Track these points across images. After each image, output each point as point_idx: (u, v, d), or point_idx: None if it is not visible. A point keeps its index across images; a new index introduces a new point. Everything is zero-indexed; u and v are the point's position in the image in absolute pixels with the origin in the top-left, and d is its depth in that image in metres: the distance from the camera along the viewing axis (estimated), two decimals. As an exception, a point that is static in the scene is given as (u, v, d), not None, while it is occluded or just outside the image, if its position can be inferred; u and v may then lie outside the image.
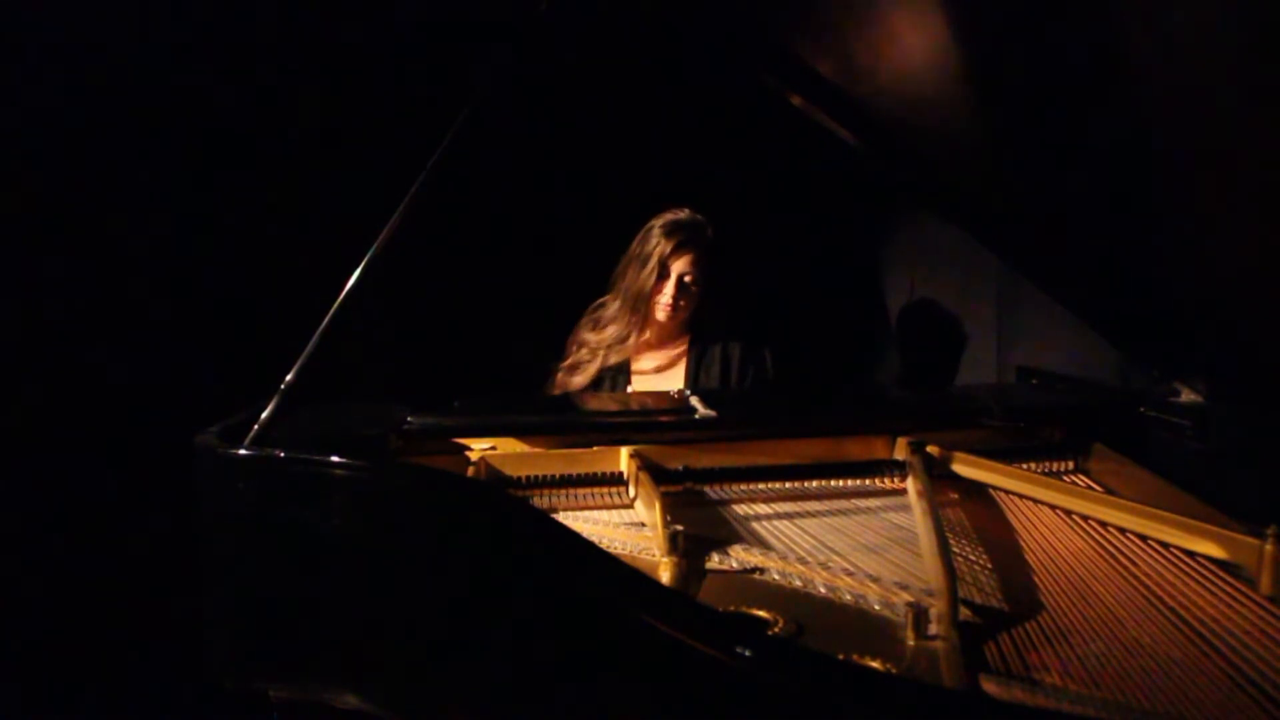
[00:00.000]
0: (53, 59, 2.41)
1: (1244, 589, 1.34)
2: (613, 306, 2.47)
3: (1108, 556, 1.49)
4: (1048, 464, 1.83)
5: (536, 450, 1.81)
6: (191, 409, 1.64)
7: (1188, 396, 1.81)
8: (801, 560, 1.47)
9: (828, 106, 1.77)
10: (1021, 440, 1.89)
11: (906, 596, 1.32)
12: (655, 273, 2.38)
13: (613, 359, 2.46)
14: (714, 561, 1.47)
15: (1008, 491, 1.74)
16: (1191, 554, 1.45)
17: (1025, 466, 1.78)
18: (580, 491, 1.76)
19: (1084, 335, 1.99)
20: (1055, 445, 1.87)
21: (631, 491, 1.74)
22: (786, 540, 1.57)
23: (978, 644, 1.21)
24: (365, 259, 1.65)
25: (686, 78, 2.93)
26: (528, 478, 1.77)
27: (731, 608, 1.31)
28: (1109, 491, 1.70)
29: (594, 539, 1.45)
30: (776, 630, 1.25)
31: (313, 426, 1.66)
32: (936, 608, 1.26)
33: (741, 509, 1.71)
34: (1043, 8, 1.25)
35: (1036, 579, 1.42)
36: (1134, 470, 1.72)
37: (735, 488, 1.77)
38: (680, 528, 1.48)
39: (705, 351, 2.50)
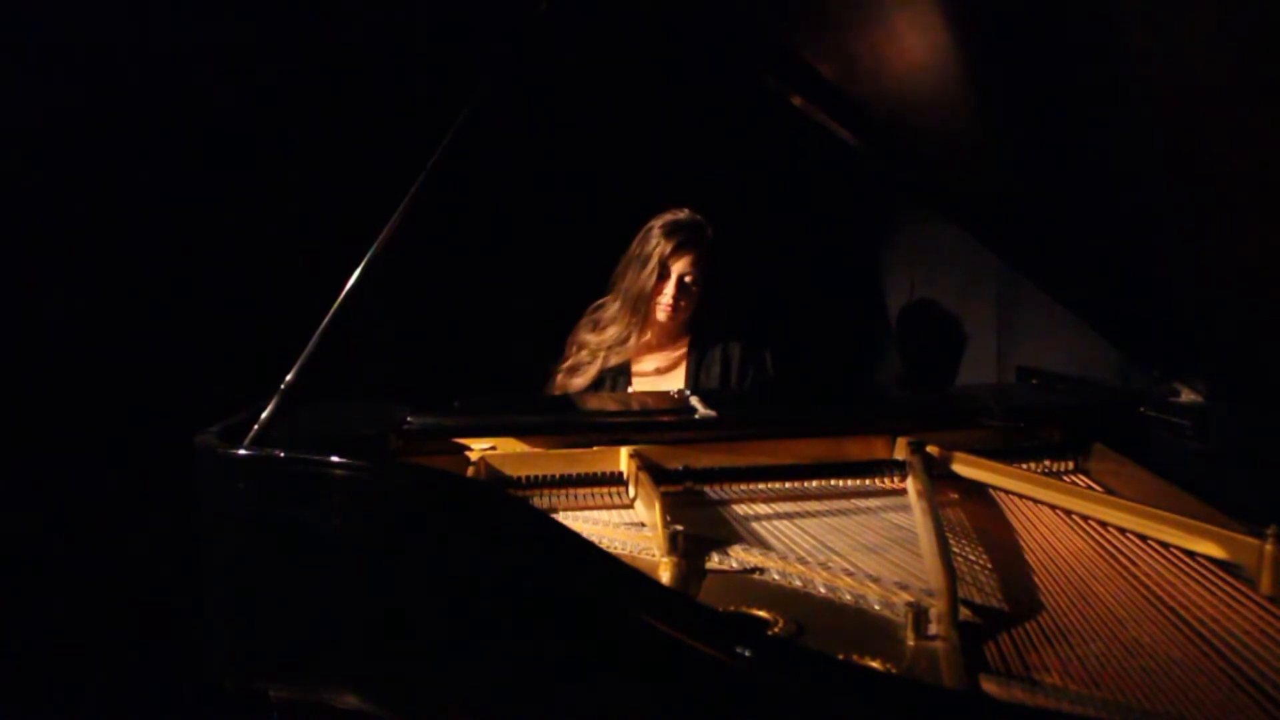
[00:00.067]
0: (53, 59, 2.41)
1: (1244, 589, 1.34)
2: (612, 307, 2.47)
3: (1108, 556, 1.48)
4: (1048, 464, 1.83)
5: (536, 450, 1.81)
6: (191, 409, 1.64)
7: (1188, 396, 1.81)
8: (801, 560, 1.47)
9: (828, 106, 1.77)
10: (1021, 440, 1.89)
11: (906, 596, 1.32)
12: (655, 273, 2.37)
13: (613, 360, 2.46)
14: (714, 561, 1.47)
15: (1008, 491, 1.74)
16: (1191, 554, 1.45)
17: (1025, 466, 1.78)
18: (580, 491, 1.76)
19: (1084, 335, 1.99)
20: (1055, 445, 1.87)
21: (631, 491, 1.74)
22: (786, 540, 1.57)
23: (978, 644, 1.21)
24: (365, 259, 1.65)
25: (686, 78, 2.93)
26: (528, 478, 1.77)
27: (731, 608, 1.31)
28: (1109, 491, 1.70)
29: (594, 539, 1.45)
30: (776, 630, 1.25)
31: (313, 426, 1.66)
32: (936, 608, 1.26)
33: (741, 509, 1.70)
34: (1043, 8, 1.25)
35: (1036, 579, 1.42)
36: (1134, 470, 1.72)
37: (735, 488, 1.77)
38: (680, 528, 1.48)
39: (705, 353, 2.49)
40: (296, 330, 1.62)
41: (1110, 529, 1.57)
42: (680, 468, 1.78)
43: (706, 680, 1.06)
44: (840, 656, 1.14)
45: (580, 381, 2.48)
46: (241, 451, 1.50)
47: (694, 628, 1.09)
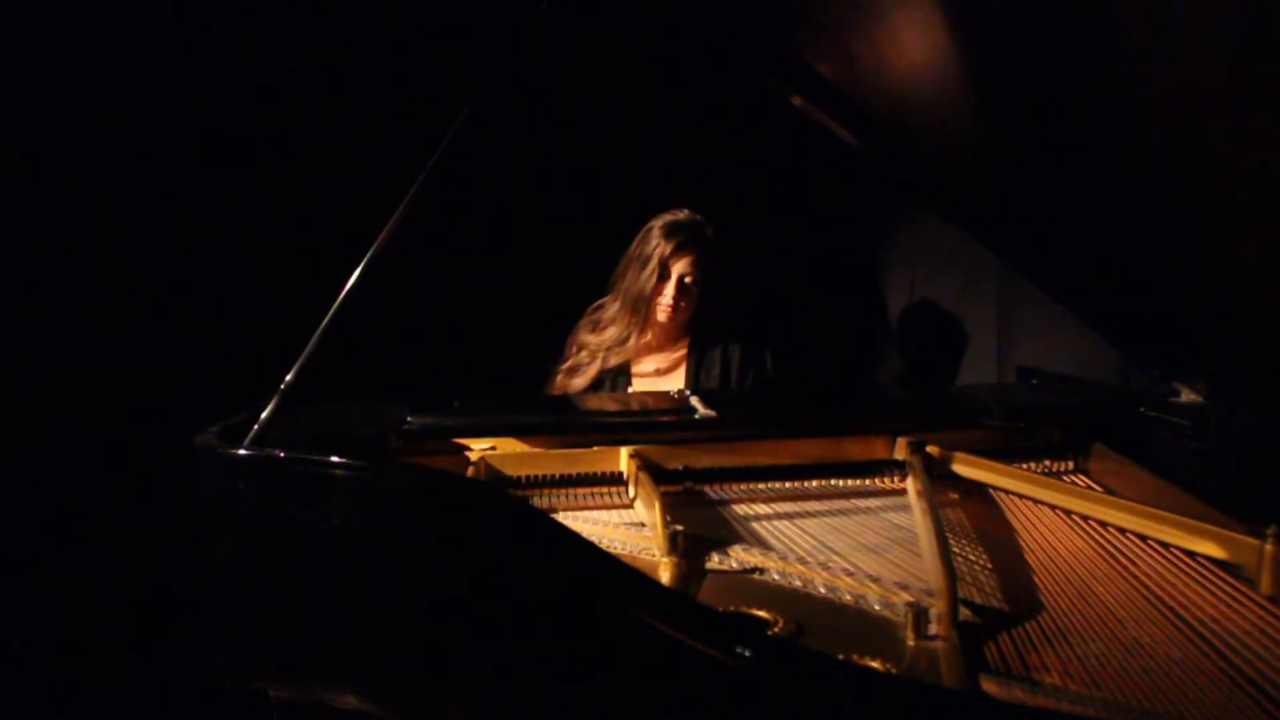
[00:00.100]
0: (53, 59, 2.41)
1: (1244, 589, 1.34)
2: (612, 308, 2.46)
3: (1108, 556, 1.48)
4: (1048, 464, 1.83)
5: (536, 450, 1.81)
6: (191, 409, 1.64)
7: (1188, 396, 1.81)
8: (801, 560, 1.47)
9: (828, 106, 1.77)
10: (1021, 440, 1.89)
11: (906, 596, 1.32)
12: (655, 274, 2.37)
13: (612, 361, 2.46)
14: (714, 561, 1.47)
15: (1008, 491, 1.74)
16: (1191, 554, 1.45)
17: (1025, 466, 1.78)
18: (580, 491, 1.76)
19: (1084, 335, 1.99)
20: (1055, 445, 1.87)
21: (631, 491, 1.74)
22: (786, 540, 1.57)
23: (978, 644, 1.21)
24: (365, 259, 1.65)
25: (686, 78, 2.93)
26: (528, 478, 1.77)
27: (731, 608, 1.31)
28: (1109, 491, 1.70)
29: (594, 539, 1.45)
30: (776, 630, 1.25)
31: (313, 426, 1.66)
32: (936, 608, 1.26)
33: (741, 509, 1.70)
34: (1043, 8, 1.25)
35: (1036, 579, 1.42)
36: (1134, 470, 1.72)
37: (735, 488, 1.77)
38: (680, 528, 1.48)
39: (705, 354, 2.49)
40: (296, 330, 1.62)
41: (1110, 529, 1.57)
42: (680, 468, 1.78)
43: (706, 680, 1.06)
44: (840, 656, 1.14)
45: (580, 382, 2.47)
46: (241, 451, 1.50)
47: (694, 628, 1.09)
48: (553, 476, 1.77)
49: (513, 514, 1.40)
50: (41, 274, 2.44)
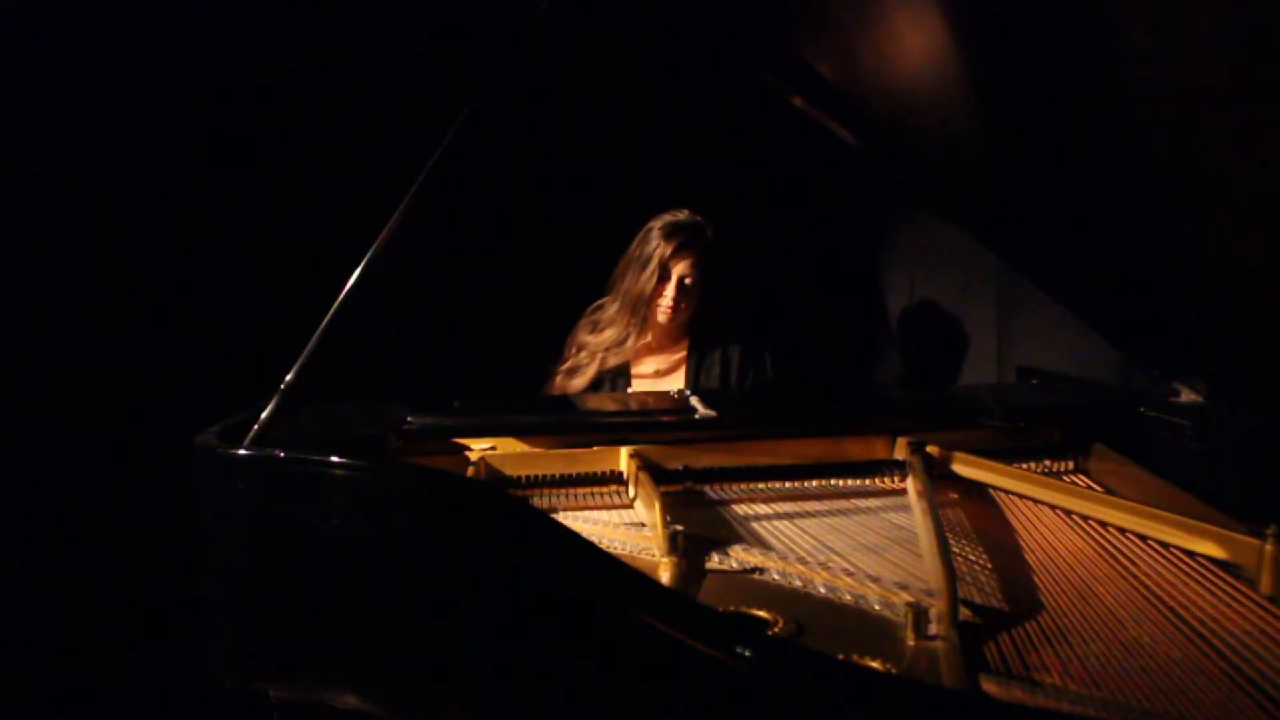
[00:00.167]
0: (53, 59, 2.41)
1: (1244, 589, 1.34)
2: (611, 309, 2.46)
3: (1108, 556, 1.48)
4: (1048, 464, 1.83)
5: (536, 450, 1.81)
6: (191, 409, 1.64)
7: (1188, 396, 1.81)
8: (801, 560, 1.47)
9: (828, 106, 1.77)
10: (1021, 440, 1.89)
11: (906, 596, 1.32)
12: (655, 275, 2.36)
13: (611, 362, 2.45)
14: (714, 561, 1.47)
15: (1008, 491, 1.74)
16: (1191, 554, 1.45)
17: (1025, 466, 1.78)
18: (580, 491, 1.76)
19: (1084, 335, 1.99)
20: (1055, 445, 1.87)
21: (631, 491, 1.74)
22: (786, 540, 1.57)
23: (978, 644, 1.21)
24: (365, 259, 1.65)
25: (686, 78, 2.93)
26: (528, 478, 1.77)
27: (731, 608, 1.31)
28: (1109, 491, 1.70)
29: (594, 539, 1.45)
30: (776, 630, 1.25)
31: (313, 426, 1.66)
32: (936, 608, 1.26)
33: (741, 509, 1.70)
34: (1043, 8, 1.25)
35: (1036, 579, 1.42)
36: (1134, 470, 1.72)
37: (735, 488, 1.77)
38: (680, 528, 1.48)
39: (705, 355, 2.48)
40: (296, 330, 1.62)
41: (1110, 529, 1.57)
42: (680, 468, 1.78)
43: (706, 680, 1.06)
44: (840, 656, 1.14)
45: (579, 383, 2.47)
46: (241, 451, 1.50)
47: (694, 628, 1.09)
48: (553, 476, 1.77)
49: (513, 514, 1.40)
50: (41, 274, 2.44)
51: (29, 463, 2.42)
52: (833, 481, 1.79)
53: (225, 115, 2.58)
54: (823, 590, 1.38)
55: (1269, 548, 1.34)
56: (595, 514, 1.69)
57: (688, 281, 2.39)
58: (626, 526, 1.62)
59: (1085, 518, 1.61)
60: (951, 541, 1.51)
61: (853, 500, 1.75)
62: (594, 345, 2.46)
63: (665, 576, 1.40)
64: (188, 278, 2.56)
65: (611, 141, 2.93)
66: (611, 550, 1.51)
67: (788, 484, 1.78)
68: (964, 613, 1.28)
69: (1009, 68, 1.41)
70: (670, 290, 2.38)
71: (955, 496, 1.75)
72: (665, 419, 1.91)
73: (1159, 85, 1.23)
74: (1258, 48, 1.05)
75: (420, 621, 1.38)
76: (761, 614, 1.29)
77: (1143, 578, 1.40)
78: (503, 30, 1.81)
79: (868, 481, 1.80)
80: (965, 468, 1.79)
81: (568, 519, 1.64)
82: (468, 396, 1.96)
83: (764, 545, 1.54)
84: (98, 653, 2.46)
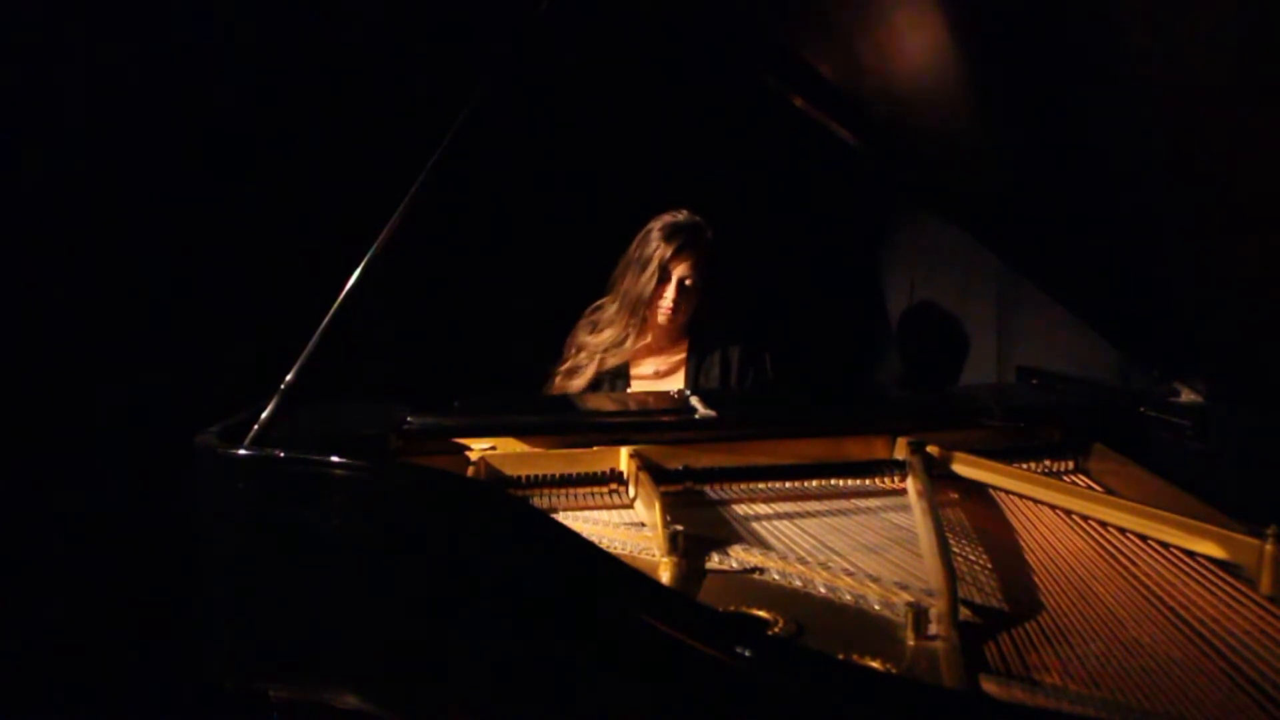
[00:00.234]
0: (53, 59, 2.41)
1: (1244, 589, 1.34)
2: (611, 309, 2.45)
3: (1108, 556, 1.49)
4: (1048, 464, 1.83)
5: (536, 450, 1.81)
6: (191, 409, 1.64)
7: (1188, 396, 1.81)
8: (801, 560, 1.47)
9: (828, 106, 1.77)
10: (1021, 440, 1.89)
11: (906, 596, 1.32)
12: (655, 277, 2.35)
13: (610, 362, 2.44)
14: (714, 561, 1.47)
15: (1008, 491, 1.74)
16: (1191, 554, 1.45)
17: (1025, 466, 1.79)
18: (580, 491, 1.76)
19: (1084, 335, 1.99)
20: (1055, 445, 1.87)
21: (631, 491, 1.74)
22: (786, 540, 1.57)
23: (978, 644, 1.21)
24: (365, 259, 1.65)
25: (686, 78, 2.93)
26: (528, 478, 1.77)
27: (731, 608, 1.31)
28: (1109, 491, 1.70)
29: (594, 539, 1.45)
30: (776, 630, 1.25)
31: (313, 426, 1.66)
32: (936, 608, 1.26)
33: (741, 509, 1.70)
34: (1043, 8, 1.25)
35: (1036, 579, 1.42)
36: (1134, 470, 1.72)
37: (735, 488, 1.77)
38: (680, 528, 1.48)
39: (705, 356, 2.48)
40: (296, 330, 1.62)
41: (1110, 529, 1.57)
42: (680, 468, 1.78)
43: (706, 680, 1.06)
44: (840, 656, 1.14)
45: (578, 383, 2.47)
46: (241, 451, 1.50)
47: (694, 628, 1.09)
48: (553, 476, 1.77)
49: (513, 514, 1.40)
50: (41, 274, 2.44)
51: (29, 463, 2.42)
52: (833, 481, 1.79)
53: (225, 115, 2.58)
54: (823, 590, 1.38)
55: (1269, 548, 1.35)
56: (595, 514, 1.69)
57: (688, 283, 2.39)
58: (626, 526, 1.62)
59: (1085, 518, 1.61)
60: (951, 541, 1.51)
61: (853, 500, 1.75)
62: (593, 346, 2.46)
63: (665, 576, 1.40)
64: (188, 278, 2.57)
65: (611, 141, 2.93)
66: (611, 550, 1.51)
67: (788, 484, 1.78)
68: (964, 613, 1.28)
69: (1009, 68, 1.41)
70: (670, 292, 2.38)
71: (955, 496, 1.75)
72: (665, 419, 1.91)
73: (1159, 85, 1.23)
74: (1258, 48, 1.05)
75: (420, 621, 1.38)
76: (761, 614, 1.29)
77: (1143, 578, 1.40)
78: (503, 30, 1.81)
79: (868, 481, 1.80)
80: (965, 468, 1.79)
81: (568, 519, 1.64)
82: (468, 396, 1.96)
83: (764, 545, 1.54)
84: (98, 653, 2.46)
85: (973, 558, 1.50)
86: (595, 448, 1.81)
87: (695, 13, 1.96)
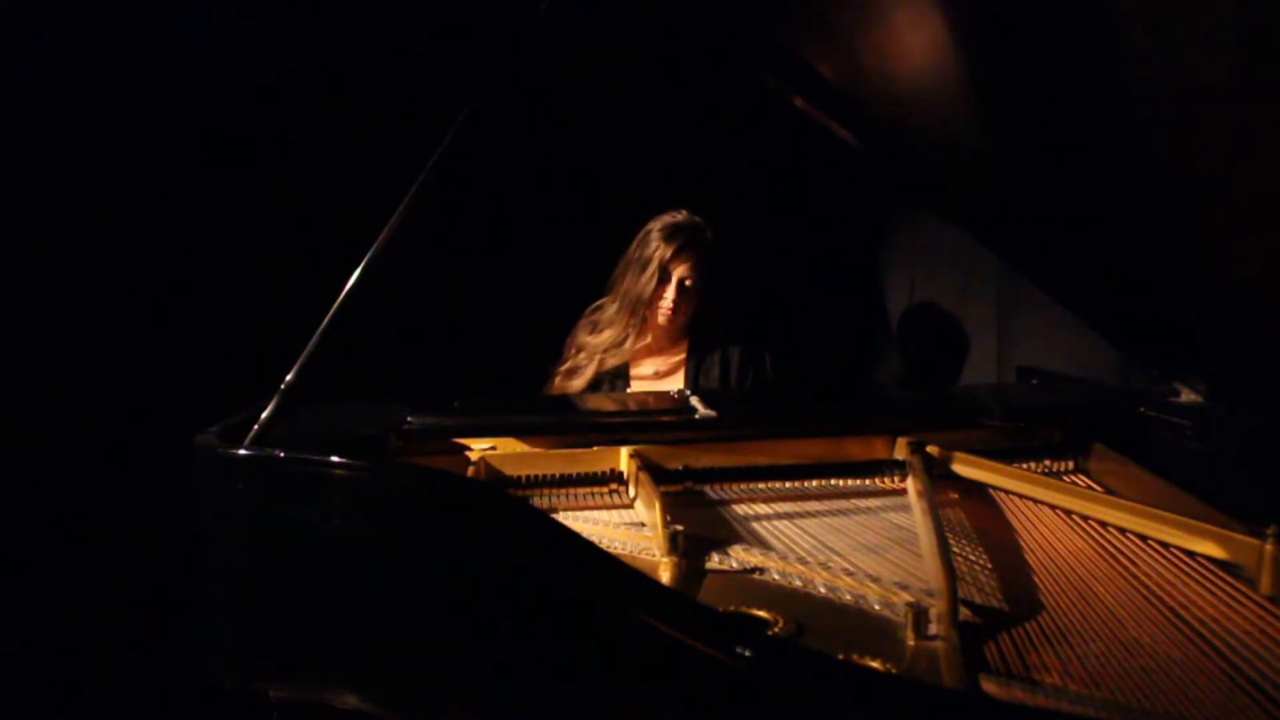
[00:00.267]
0: (53, 58, 2.41)
1: (1244, 589, 1.34)
2: (610, 309, 2.45)
3: (1108, 556, 1.49)
4: (1048, 464, 1.83)
5: (536, 450, 1.81)
6: (191, 409, 1.64)
7: (1188, 396, 1.81)
8: (801, 560, 1.47)
9: (828, 106, 1.77)
10: (1021, 440, 1.89)
11: (906, 596, 1.32)
12: (655, 277, 2.35)
13: (610, 362, 2.44)
14: (714, 561, 1.47)
15: (1008, 491, 1.74)
16: (1191, 554, 1.45)
17: (1025, 466, 1.78)
18: (580, 491, 1.76)
19: (1084, 335, 1.99)
20: (1055, 445, 1.87)
21: (631, 491, 1.74)
22: (786, 540, 1.57)
23: (978, 644, 1.21)
24: (365, 259, 1.65)
25: (686, 78, 2.93)
26: (528, 478, 1.77)
27: (731, 608, 1.31)
28: (1109, 491, 1.70)
29: (594, 539, 1.45)
30: (776, 630, 1.25)
31: (313, 426, 1.66)
32: (936, 608, 1.26)
33: (741, 509, 1.70)
34: (1043, 8, 1.25)
35: (1036, 579, 1.42)
36: (1134, 470, 1.72)
37: (735, 488, 1.77)
38: (680, 528, 1.48)
39: (705, 357, 2.48)
40: (296, 330, 1.62)
41: (1110, 529, 1.57)
42: (680, 468, 1.78)
43: (706, 680, 1.06)
44: (840, 656, 1.14)
45: (578, 384, 2.47)
46: (241, 451, 1.50)
47: (694, 628, 1.09)
48: (553, 476, 1.77)
49: (513, 514, 1.40)
50: (41, 274, 2.44)
51: (29, 463, 2.42)
52: (833, 481, 1.79)
53: (225, 115, 2.58)
54: (823, 590, 1.38)
55: (1269, 548, 1.35)
56: (595, 514, 1.69)
57: (688, 283, 2.38)
58: (626, 526, 1.62)
59: (1085, 518, 1.61)
60: (951, 541, 1.51)
61: (853, 500, 1.75)
62: (593, 346, 2.46)
63: (665, 576, 1.40)
64: (188, 278, 2.57)
65: (611, 141, 2.93)
66: (611, 550, 1.51)
67: (788, 484, 1.78)
68: (964, 613, 1.28)
69: (1009, 68, 1.41)
70: (670, 292, 2.38)
71: (955, 496, 1.75)
72: (665, 419, 1.90)
73: (1159, 85, 1.23)
74: (1258, 48, 1.05)
75: (420, 621, 1.38)
76: (761, 614, 1.29)
77: (1143, 578, 1.40)
78: (503, 30, 1.81)
79: (868, 481, 1.80)
80: (965, 468, 1.79)
81: (568, 519, 1.64)
82: (468, 396, 1.96)
83: (764, 545, 1.54)
84: (98, 653, 2.46)
85: (973, 558, 1.50)
86: (595, 448, 1.81)
87: (695, 13, 1.96)
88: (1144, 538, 1.52)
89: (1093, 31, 1.21)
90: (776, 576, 1.43)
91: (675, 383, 2.47)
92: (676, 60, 2.89)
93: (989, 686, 1.11)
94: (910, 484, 1.74)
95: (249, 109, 2.60)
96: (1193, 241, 1.47)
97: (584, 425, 1.90)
